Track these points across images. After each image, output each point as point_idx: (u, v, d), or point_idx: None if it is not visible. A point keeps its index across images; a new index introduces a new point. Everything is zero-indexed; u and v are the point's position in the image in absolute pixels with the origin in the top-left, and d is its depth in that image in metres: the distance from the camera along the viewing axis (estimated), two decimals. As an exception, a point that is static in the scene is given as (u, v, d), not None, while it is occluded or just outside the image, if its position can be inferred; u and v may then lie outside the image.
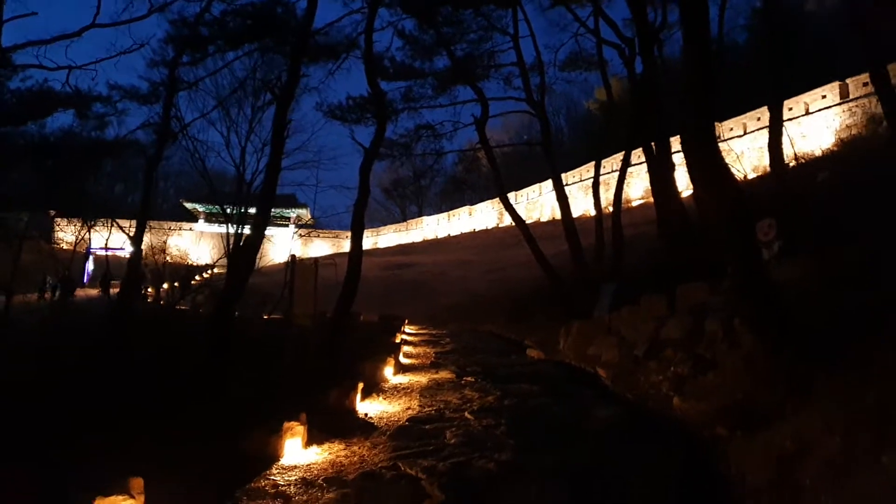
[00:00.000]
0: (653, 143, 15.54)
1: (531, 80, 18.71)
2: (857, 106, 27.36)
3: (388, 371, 8.45)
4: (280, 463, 4.75)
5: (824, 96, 28.73)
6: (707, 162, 7.16)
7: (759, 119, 31.41)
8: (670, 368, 8.68)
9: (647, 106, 14.25)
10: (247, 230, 49.74)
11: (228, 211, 24.71)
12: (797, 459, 4.42)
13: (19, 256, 19.89)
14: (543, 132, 17.87)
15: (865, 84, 27.05)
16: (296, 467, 4.67)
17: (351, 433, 5.66)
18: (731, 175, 7.45)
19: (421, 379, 8.64)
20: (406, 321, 18.88)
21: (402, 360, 10.53)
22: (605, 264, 17.67)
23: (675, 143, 15.98)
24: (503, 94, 19.88)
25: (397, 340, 11.90)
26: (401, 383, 8.21)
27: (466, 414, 6.50)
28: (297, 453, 4.94)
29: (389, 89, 20.81)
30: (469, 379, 8.64)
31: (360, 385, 6.85)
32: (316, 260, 9.96)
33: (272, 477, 4.43)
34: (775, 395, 5.71)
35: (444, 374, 9.04)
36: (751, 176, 26.32)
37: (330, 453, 5.07)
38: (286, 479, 4.40)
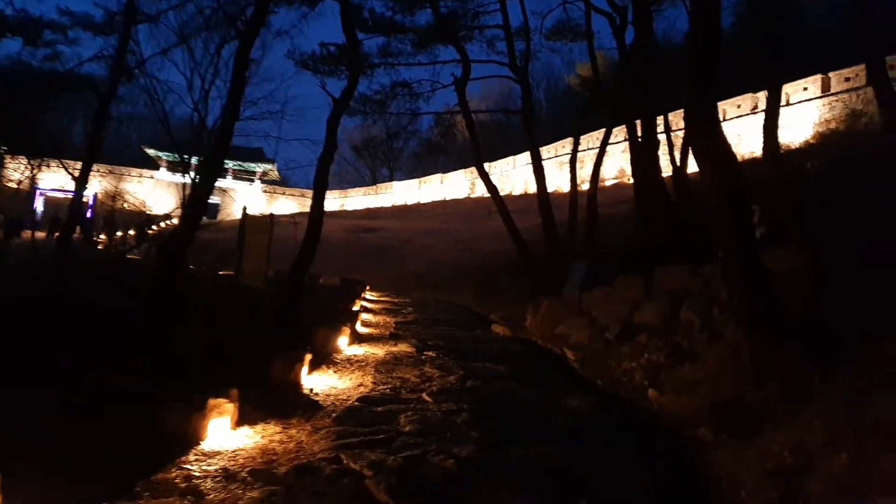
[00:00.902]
0: (637, 121, 14.95)
1: (516, 46, 17.84)
2: (837, 100, 27.17)
3: (343, 341, 7.73)
4: (201, 447, 4.00)
5: (806, 88, 28.48)
6: (710, 141, 6.60)
7: (738, 106, 31.12)
8: (644, 355, 8.16)
9: (638, 80, 13.54)
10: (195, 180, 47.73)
11: (188, 159, 23.36)
12: (798, 474, 3.87)
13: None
14: (524, 100, 17.05)
15: (847, 79, 26.87)
16: (219, 454, 3.93)
17: (291, 412, 4.94)
18: (733, 155, 6.88)
19: (378, 351, 7.95)
20: (368, 287, 18.13)
21: (360, 329, 9.82)
22: (578, 242, 17.12)
23: (659, 121, 15.66)
24: (485, 57, 18.87)
25: (356, 307, 11.19)
26: (355, 355, 7.51)
27: (425, 395, 5.83)
28: (224, 436, 4.19)
29: (367, 44, 19.71)
30: (430, 353, 7.98)
31: (309, 357, 6.11)
32: (271, 215, 9.09)
33: (187, 465, 3.68)
34: (767, 396, 5.19)
35: (403, 347, 8.36)
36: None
37: (263, 437, 4.34)
38: (204, 468, 3.66)
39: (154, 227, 45.83)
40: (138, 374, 5.35)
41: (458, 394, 5.98)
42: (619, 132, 26.94)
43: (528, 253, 16.47)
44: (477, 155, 16.33)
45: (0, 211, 31.62)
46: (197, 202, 8.48)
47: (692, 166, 9.65)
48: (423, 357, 7.73)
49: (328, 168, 10.70)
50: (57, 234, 26.45)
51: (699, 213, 13.84)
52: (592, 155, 35.78)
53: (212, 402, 4.17)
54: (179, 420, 4.05)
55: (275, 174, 66.89)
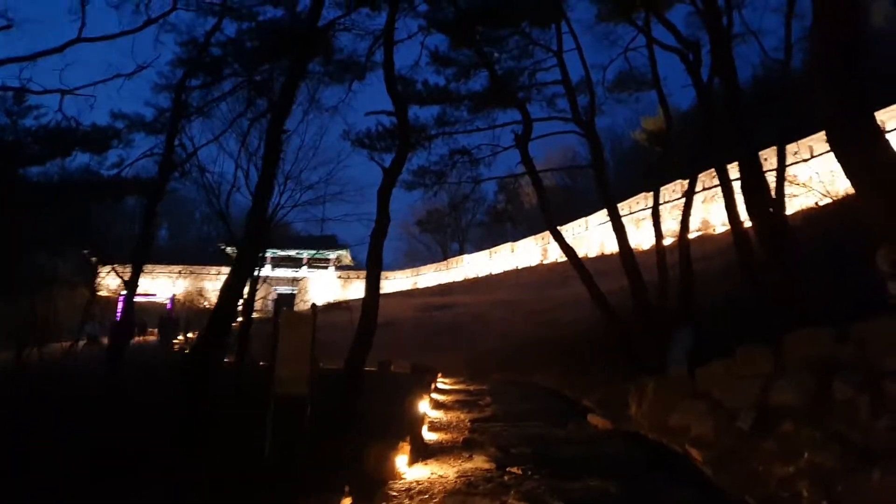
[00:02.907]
0: (727, 164, 13.19)
1: (578, 101, 16.58)
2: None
3: (402, 460, 6.11)
4: None
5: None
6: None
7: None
8: (803, 455, 6.10)
9: (729, 116, 11.78)
10: (277, 272, 48.22)
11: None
12: None
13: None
14: (594, 153, 15.57)
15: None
16: None
17: None
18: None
19: (447, 472, 6.25)
20: (439, 374, 16.47)
21: (427, 435, 8.15)
22: (671, 305, 14.97)
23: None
24: (546, 115, 17.63)
25: (420, 408, 9.57)
26: (417, 482, 5.82)
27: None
28: None
29: (422, 115, 18.97)
30: (515, 471, 6.20)
31: (347, 501, 4.49)
32: (313, 305, 7.76)
33: None
34: None
35: (479, 463, 6.62)
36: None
37: None
38: None
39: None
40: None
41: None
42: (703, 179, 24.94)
43: (616, 320, 14.51)
44: (547, 214, 14.78)
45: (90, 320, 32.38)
46: (227, 299, 7.28)
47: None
48: (506, 479, 5.95)
49: (381, 243, 9.47)
50: (139, 338, 26.42)
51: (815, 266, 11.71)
52: (670, 208, 33.66)
53: None
54: None
55: (348, 259, 67.50)
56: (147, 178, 15.53)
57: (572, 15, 22.64)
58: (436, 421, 9.55)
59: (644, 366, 11.35)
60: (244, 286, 7.82)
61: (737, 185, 12.55)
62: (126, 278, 12.91)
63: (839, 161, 5.26)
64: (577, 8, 61.45)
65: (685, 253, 14.47)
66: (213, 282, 66.94)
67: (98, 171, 20.84)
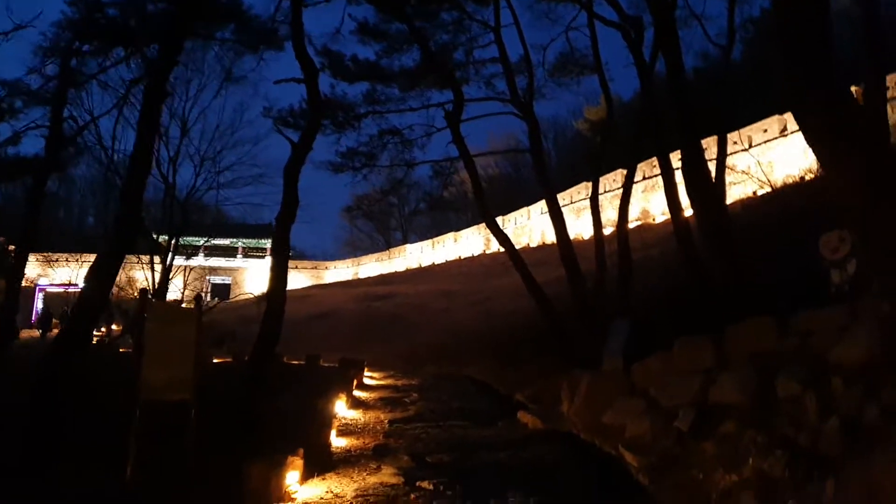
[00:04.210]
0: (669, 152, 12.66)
1: (518, 83, 15.80)
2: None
3: (293, 476, 5.17)
4: None
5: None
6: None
7: (765, 130, 28.80)
8: (748, 461, 5.46)
9: (672, 100, 11.15)
10: (212, 262, 45.92)
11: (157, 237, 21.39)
12: None
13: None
14: (532, 137, 14.84)
15: None
16: None
17: None
18: None
19: (346, 489, 5.31)
20: (365, 369, 15.49)
21: (336, 440, 7.20)
22: (609, 295, 14.44)
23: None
24: (484, 95, 16.76)
25: (336, 408, 8.61)
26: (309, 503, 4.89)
27: None
28: None
29: (351, 91, 17.86)
30: (425, 486, 5.34)
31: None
32: (198, 296, 6.66)
33: None
34: None
35: (386, 476, 5.71)
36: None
37: None
38: None
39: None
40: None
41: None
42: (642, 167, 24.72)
43: (552, 312, 13.87)
44: (479, 199, 13.97)
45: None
46: (93, 291, 6.13)
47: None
48: (412, 498, 5.07)
49: (288, 228, 8.45)
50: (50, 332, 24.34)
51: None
52: (611, 197, 33.56)
53: None
54: None
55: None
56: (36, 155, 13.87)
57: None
58: (350, 423, 8.60)
59: (579, 359, 10.71)
60: (114, 275, 6.67)
61: (678, 175, 12.05)
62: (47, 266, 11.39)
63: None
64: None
65: (624, 242, 13.96)
66: (143, 270, 63.84)
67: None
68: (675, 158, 12.97)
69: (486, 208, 14.06)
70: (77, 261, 51.44)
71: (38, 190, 11.73)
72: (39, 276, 44.53)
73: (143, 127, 6.66)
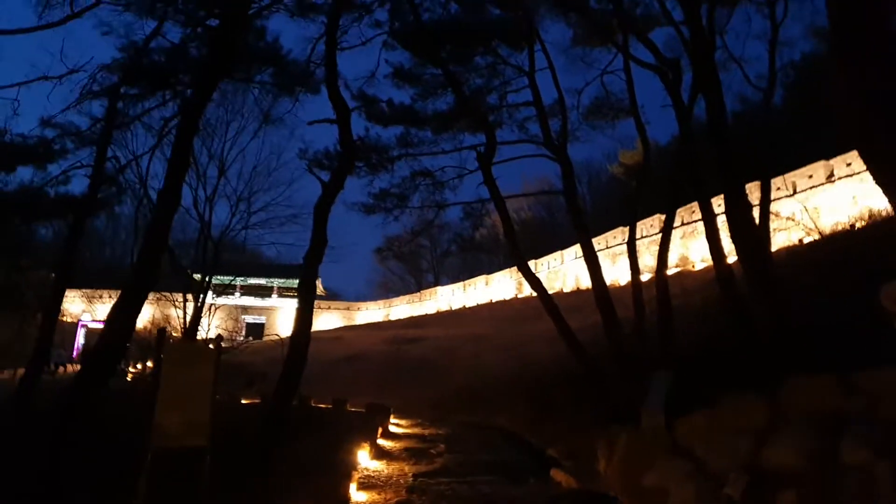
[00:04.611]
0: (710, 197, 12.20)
1: (551, 125, 15.61)
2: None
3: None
4: None
5: None
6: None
7: (810, 176, 27.95)
8: (813, 541, 4.87)
9: (715, 143, 10.73)
10: (247, 301, 46.23)
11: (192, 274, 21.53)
12: None
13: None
14: (565, 179, 14.52)
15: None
16: None
17: None
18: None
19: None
20: (391, 416, 15.00)
21: (355, 495, 6.75)
22: (648, 343, 13.80)
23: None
24: (517, 138, 16.61)
25: (358, 459, 8.17)
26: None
27: None
28: None
29: (385, 135, 17.91)
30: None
31: None
32: (218, 337, 6.40)
33: None
34: None
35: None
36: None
37: None
38: None
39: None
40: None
41: None
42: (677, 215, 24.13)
43: (587, 360, 13.28)
44: (511, 240, 13.60)
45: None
46: (113, 333, 5.93)
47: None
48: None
49: (316, 268, 8.24)
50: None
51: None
52: (648, 243, 32.86)
53: None
54: None
55: (319, 288, 65.79)
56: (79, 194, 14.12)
57: (546, 37, 21.86)
58: (373, 475, 8.14)
59: (616, 412, 10.09)
60: (135, 317, 6.48)
61: (720, 221, 11.58)
62: (89, 303, 11.40)
63: (869, 163, 4.17)
64: (552, 30, 61.26)
65: (663, 287, 13.35)
66: (180, 308, 64.66)
67: (41, 187, 19.26)
68: (716, 204, 12.55)
69: (517, 250, 13.69)
70: (113, 298, 52.46)
71: (79, 227, 11.83)
72: (84, 311, 45.55)
73: (175, 163, 6.57)
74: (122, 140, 14.27)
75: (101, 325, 40.24)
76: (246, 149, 23.60)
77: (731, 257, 11.30)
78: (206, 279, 20.91)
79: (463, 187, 17.25)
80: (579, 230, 14.29)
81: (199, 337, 21.59)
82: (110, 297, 50.35)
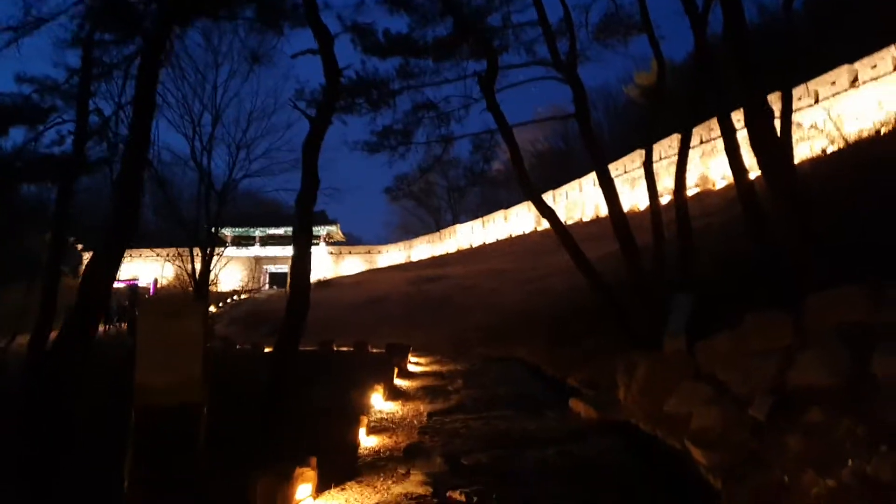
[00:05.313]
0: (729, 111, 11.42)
1: (560, 46, 14.69)
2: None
3: (305, 490, 4.56)
4: None
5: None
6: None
7: (833, 83, 26.47)
8: (846, 462, 4.52)
9: (734, 52, 9.89)
10: (268, 251, 46.46)
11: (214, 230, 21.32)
12: None
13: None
14: (577, 101, 13.72)
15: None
16: None
17: None
18: None
19: (367, 500, 4.70)
20: (409, 354, 14.90)
21: (365, 440, 6.57)
22: (668, 268, 13.31)
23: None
24: (525, 62, 15.70)
25: (372, 400, 8.01)
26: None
27: None
28: None
29: (383, 67, 17.11)
30: (455, 498, 4.64)
31: None
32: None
33: None
34: None
35: (412, 485, 5.01)
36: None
37: None
38: None
39: (220, 304, 45.05)
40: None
41: None
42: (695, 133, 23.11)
43: (605, 288, 12.88)
44: (519, 168, 12.98)
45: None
46: (90, 289, 5.65)
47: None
48: (440, 512, 4.38)
49: (310, 208, 7.82)
50: (112, 326, 24.84)
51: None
52: (666, 164, 31.82)
53: None
54: None
55: (339, 235, 65.82)
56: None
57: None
58: (386, 417, 7.98)
59: (636, 339, 9.78)
60: (114, 275, 6.19)
61: (740, 136, 10.87)
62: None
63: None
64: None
65: (682, 209, 12.76)
66: (190, 264, 65.26)
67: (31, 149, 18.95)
68: (735, 119, 11.82)
69: (525, 178, 13.09)
70: (141, 256, 53.14)
71: (67, 188, 11.53)
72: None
73: (140, 103, 6.12)
74: (110, 93, 13.83)
75: (120, 285, 40.74)
76: (241, 94, 22.94)
77: (753, 173, 10.69)
78: (212, 230, 20.73)
79: (470, 119, 16.57)
80: (593, 154, 13.63)
81: (212, 290, 21.51)
82: (130, 256, 51.06)
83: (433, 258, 53.92)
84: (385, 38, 15.37)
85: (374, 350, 17.23)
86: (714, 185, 31.36)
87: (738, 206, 11.73)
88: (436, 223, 72.28)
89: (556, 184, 45.80)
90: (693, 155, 31.22)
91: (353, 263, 62.97)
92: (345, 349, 18.38)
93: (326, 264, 61.05)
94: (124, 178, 6.43)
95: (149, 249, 51.09)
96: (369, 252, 66.32)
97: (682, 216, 12.79)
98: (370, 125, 16.09)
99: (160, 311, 5.28)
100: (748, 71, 9.77)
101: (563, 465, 5.62)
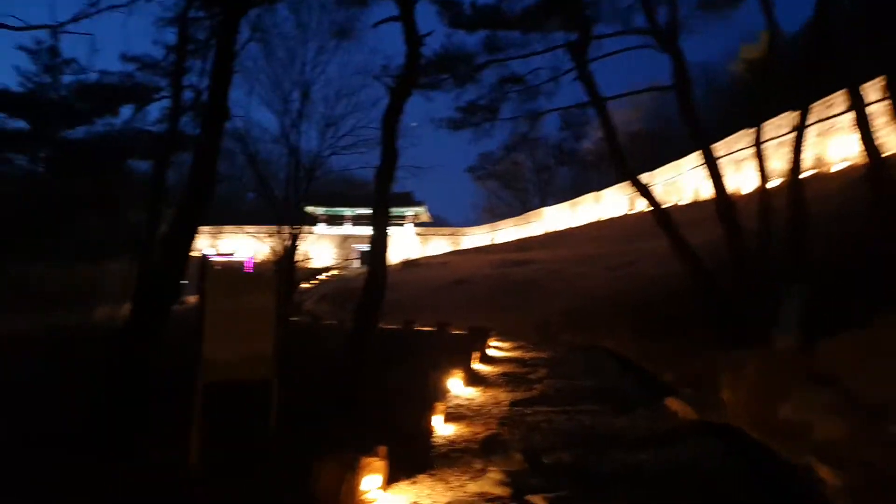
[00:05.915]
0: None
1: (659, 18, 13.62)
2: None
3: (373, 481, 4.24)
4: None
5: None
6: None
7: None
8: None
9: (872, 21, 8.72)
10: (358, 230, 47.46)
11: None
12: None
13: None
14: (677, 73, 12.70)
15: None
16: None
17: None
18: None
19: (437, 500, 4.31)
20: (490, 339, 14.44)
21: (441, 428, 6.20)
22: (776, 257, 12.06)
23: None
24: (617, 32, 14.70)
25: (449, 386, 7.66)
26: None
27: None
28: None
29: (470, 41, 16.58)
30: (534, 502, 4.16)
31: None
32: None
33: None
34: None
35: (488, 485, 4.53)
36: None
37: None
38: None
39: (313, 280, 46.44)
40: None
41: None
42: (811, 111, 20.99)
43: (707, 277, 11.90)
44: (613, 146, 12.14)
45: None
46: (165, 264, 5.56)
47: None
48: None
49: (389, 185, 7.48)
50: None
51: None
52: (776, 145, 29.40)
53: None
54: None
55: (426, 216, 66.22)
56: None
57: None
58: (464, 404, 7.58)
59: (742, 335, 8.87)
60: (190, 243, 6.09)
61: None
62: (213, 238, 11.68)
63: None
64: None
65: (796, 190, 11.54)
66: (301, 242, 67.69)
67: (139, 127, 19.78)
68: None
69: (618, 153, 12.23)
70: (240, 232, 55.77)
71: (163, 163, 11.86)
72: (210, 246, 49.00)
73: (218, 72, 5.97)
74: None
75: (220, 259, 42.58)
76: (329, 71, 23.07)
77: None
78: (300, 206, 21.16)
79: (559, 94, 15.75)
80: (694, 131, 12.58)
81: (303, 266, 21.82)
82: (230, 232, 53.62)
83: (519, 241, 53.03)
84: (472, 9, 14.84)
85: (455, 332, 16.91)
86: (829, 168, 28.71)
87: (857, 189, 10.50)
88: (522, 206, 71.20)
89: (651, 166, 43.68)
90: (806, 134, 28.71)
91: (438, 244, 63.24)
92: (426, 329, 18.20)
93: (414, 245, 61.70)
94: (203, 145, 6.36)
95: (249, 226, 53.60)
96: (454, 234, 66.35)
97: (796, 199, 11.58)
98: (455, 101, 15.68)
99: (227, 286, 5.09)
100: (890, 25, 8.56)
101: (658, 469, 5.01)
